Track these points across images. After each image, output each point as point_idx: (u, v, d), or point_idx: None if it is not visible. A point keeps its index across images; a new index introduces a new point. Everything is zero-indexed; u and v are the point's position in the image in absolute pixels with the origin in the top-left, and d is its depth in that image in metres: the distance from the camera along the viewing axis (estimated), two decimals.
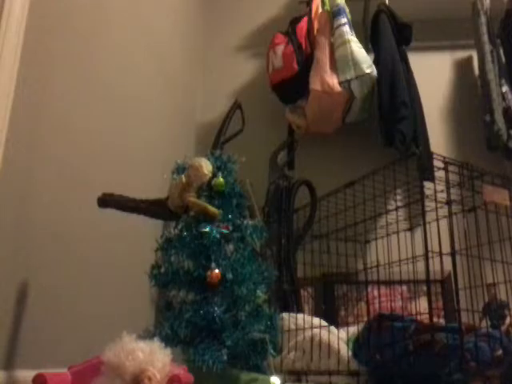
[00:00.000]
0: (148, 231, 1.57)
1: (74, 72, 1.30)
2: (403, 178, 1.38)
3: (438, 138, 2.29)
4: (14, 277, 1.05)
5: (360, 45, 2.12)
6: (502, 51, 2.21)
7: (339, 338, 1.42)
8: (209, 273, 1.20)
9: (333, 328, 1.49)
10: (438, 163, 1.31)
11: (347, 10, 2.21)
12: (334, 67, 2.10)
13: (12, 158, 1.02)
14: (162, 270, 1.26)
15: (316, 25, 2.26)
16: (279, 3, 2.64)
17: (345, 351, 1.38)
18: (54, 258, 1.18)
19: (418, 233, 1.33)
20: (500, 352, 1.19)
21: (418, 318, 1.37)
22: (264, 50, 2.35)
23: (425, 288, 1.89)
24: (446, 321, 1.86)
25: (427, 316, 1.32)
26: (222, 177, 1.31)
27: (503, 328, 1.51)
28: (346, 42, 2.09)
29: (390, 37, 2.20)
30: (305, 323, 1.50)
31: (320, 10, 2.30)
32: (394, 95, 2.08)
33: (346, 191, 1.55)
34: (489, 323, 1.48)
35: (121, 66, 1.59)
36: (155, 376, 0.81)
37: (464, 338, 1.18)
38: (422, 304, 1.83)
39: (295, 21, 2.31)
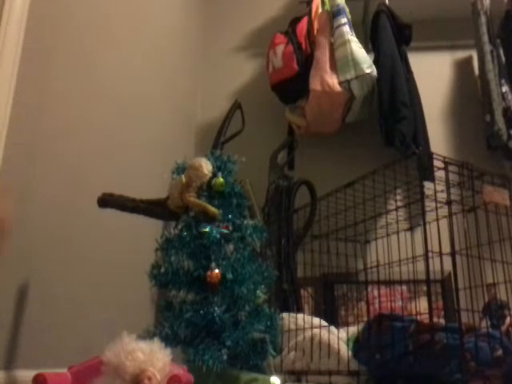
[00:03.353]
0: (148, 231, 1.57)
1: (74, 72, 1.30)
2: (403, 178, 1.38)
3: (438, 138, 2.29)
4: (14, 277, 1.05)
5: (360, 45, 2.12)
6: (501, 51, 2.21)
7: (339, 338, 1.42)
8: (209, 273, 1.20)
9: (333, 328, 1.49)
10: (438, 163, 1.31)
11: (347, 10, 2.21)
12: (334, 67, 2.10)
13: (12, 158, 1.02)
14: (162, 270, 1.26)
15: (316, 25, 2.26)
16: (279, 3, 2.64)
17: (345, 351, 1.37)
18: (54, 258, 1.18)
19: (418, 233, 1.33)
20: (500, 352, 1.19)
21: (418, 318, 1.37)
22: (264, 50, 2.35)
23: (425, 288, 1.89)
24: (446, 321, 1.86)
25: (427, 316, 1.32)
26: (222, 177, 1.31)
27: (503, 328, 1.51)
28: (346, 42, 2.09)
29: (390, 37, 2.20)
30: (305, 323, 1.50)
31: (320, 10, 2.30)
32: (394, 95, 2.07)
33: (346, 191, 1.55)
34: (489, 323, 1.48)
35: (121, 66, 1.59)
36: (155, 376, 0.81)
37: (464, 338, 1.18)
38: (422, 304, 1.83)
39: (295, 21, 2.31)
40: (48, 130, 1.18)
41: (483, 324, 1.48)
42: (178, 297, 1.22)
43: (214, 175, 1.32)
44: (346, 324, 1.66)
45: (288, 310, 1.73)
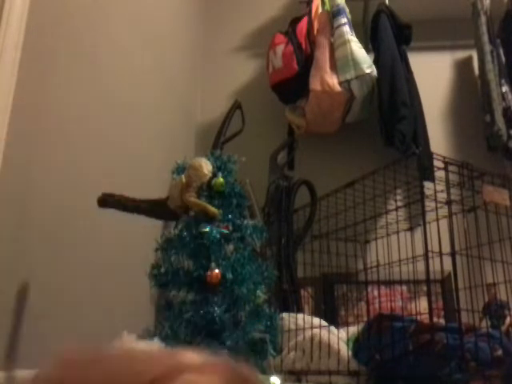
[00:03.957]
0: (148, 231, 1.57)
1: (74, 73, 1.30)
2: (403, 178, 1.38)
3: (438, 138, 2.29)
4: (14, 277, 1.05)
5: (360, 45, 2.13)
6: (501, 51, 2.21)
7: (339, 338, 1.42)
8: (209, 273, 1.20)
9: (333, 328, 1.49)
10: (438, 163, 1.31)
11: (347, 10, 2.21)
12: (334, 67, 2.10)
13: (12, 159, 1.02)
14: (162, 269, 1.26)
15: (316, 25, 2.26)
16: (279, 3, 2.64)
17: (345, 351, 1.37)
18: (54, 258, 1.18)
19: (418, 233, 1.33)
20: (500, 352, 1.19)
21: (418, 318, 1.37)
22: (264, 50, 2.35)
23: (425, 288, 1.89)
24: (446, 321, 1.86)
25: (427, 316, 1.32)
26: (222, 177, 1.31)
27: (503, 328, 1.51)
28: (346, 42, 2.10)
29: (390, 37, 2.20)
30: (305, 323, 1.50)
31: (320, 10, 2.30)
32: (393, 95, 2.08)
33: (346, 191, 1.55)
34: (489, 323, 1.48)
35: (120, 66, 1.59)
36: None
37: (464, 338, 1.18)
38: (422, 304, 1.83)
39: (295, 21, 2.31)
40: (48, 131, 1.18)
41: (483, 324, 1.48)
42: (178, 297, 1.22)
43: (214, 175, 1.32)
44: (346, 324, 1.66)
45: (288, 310, 1.73)
